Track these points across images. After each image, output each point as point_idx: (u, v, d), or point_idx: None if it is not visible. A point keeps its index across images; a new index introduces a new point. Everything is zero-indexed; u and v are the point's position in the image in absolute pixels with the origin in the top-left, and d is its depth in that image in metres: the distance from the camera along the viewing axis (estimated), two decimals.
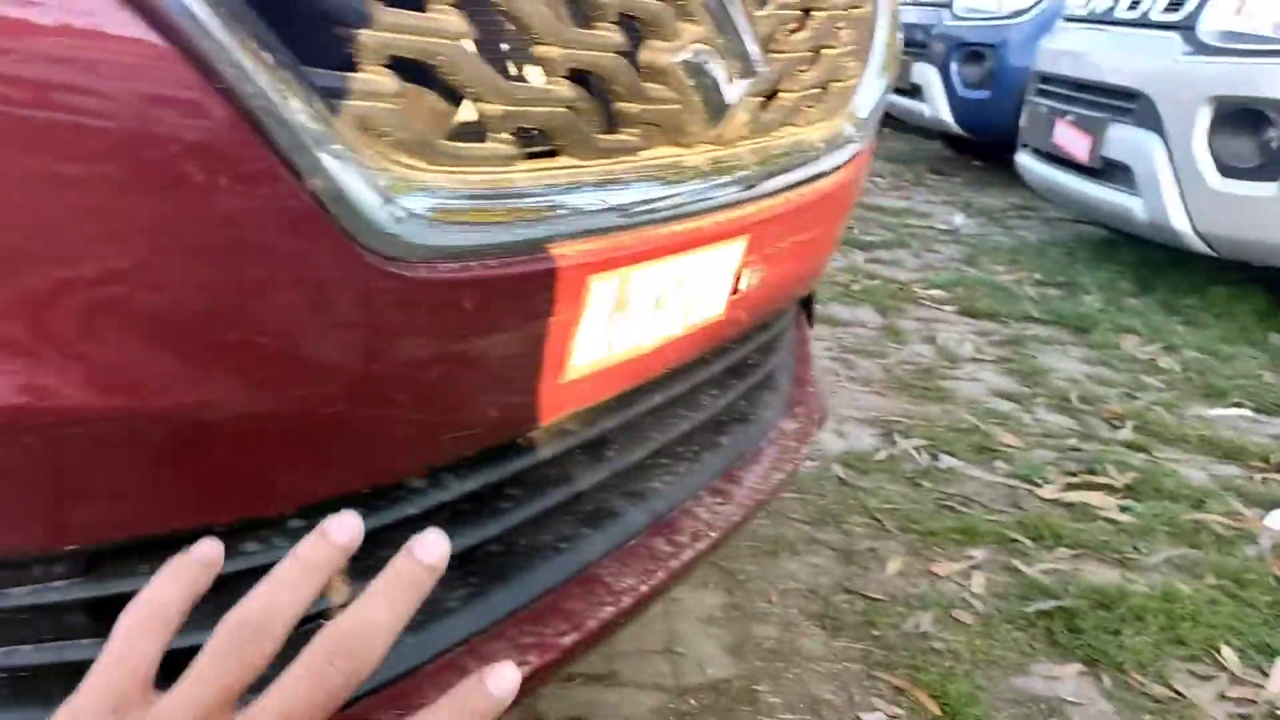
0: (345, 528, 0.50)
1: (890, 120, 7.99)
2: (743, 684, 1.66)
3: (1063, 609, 1.89)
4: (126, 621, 0.48)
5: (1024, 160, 4.81)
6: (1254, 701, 1.70)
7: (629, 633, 1.76)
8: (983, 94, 6.25)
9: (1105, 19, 4.30)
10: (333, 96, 0.64)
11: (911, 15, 7.20)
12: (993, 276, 4.25)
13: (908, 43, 7.06)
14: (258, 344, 0.65)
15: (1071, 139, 4.24)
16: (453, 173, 0.74)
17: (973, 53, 6.37)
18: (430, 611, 0.96)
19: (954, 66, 6.43)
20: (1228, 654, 1.81)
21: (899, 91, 7.12)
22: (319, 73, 0.63)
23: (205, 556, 0.52)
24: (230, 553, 0.77)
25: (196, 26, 0.56)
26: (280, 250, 0.63)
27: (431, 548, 0.49)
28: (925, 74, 6.68)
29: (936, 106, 6.57)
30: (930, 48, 6.72)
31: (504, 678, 0.47)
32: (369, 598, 0.48)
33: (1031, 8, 6.15)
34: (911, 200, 5.88)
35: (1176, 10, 3.83)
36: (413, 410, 0.80)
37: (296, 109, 0.60)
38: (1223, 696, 1.72)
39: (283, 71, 0.60)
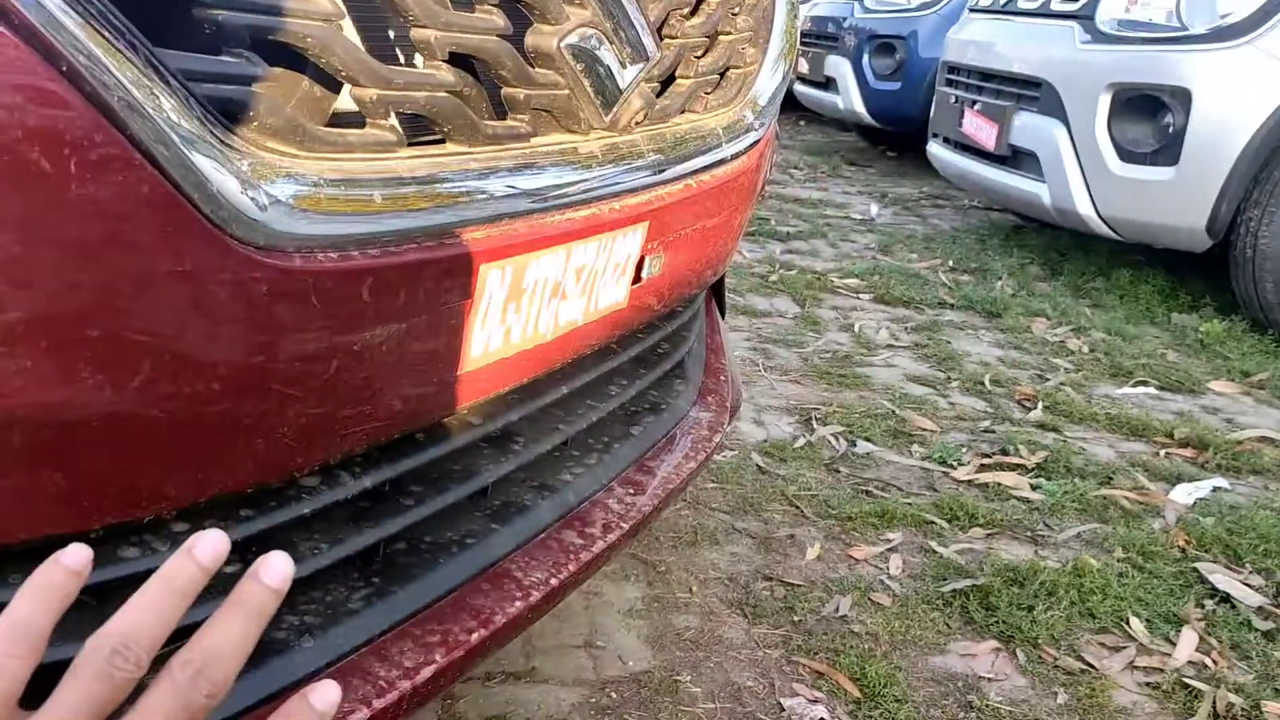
0: (210, 547, 0.50)
1: (805, 113, 8.08)
2: (664, 675, 1.66)
3: (977, 587, 1.92)
4: None
5: (935, 149, 4.89)
6: (1162, 670, 1.75)
7: (549, 628, 1.74)
8: (894, 85, 6.34)
9: (1009, 9, 4.39)
10: (190, 80, 0.61)
11: (824, 8, 7.28)
12: (907, 264, 4.32)
13: (820, 35, 7.14)
14: (122, 338, 0.62)
15: (979, 127, 4.32)
16: (330, 159, 0.72)
17: (884, 45, 6.45)
18: (332, 614, 0.94)
19: (866, 58, 6.51)
20: (1136, 625, 1.85)
21: (813, 84, 7.20)
22: (175, 54, 0.61)
23: (71, 564, 0.51)
24: (108, 559, 0.75)
25: (38, 9, 0.53)
26: (139, 240, 0.60)
27: (275, 570, 0.50)
28: (838, 66, 6.76)
29: (850, 98, 6.65)
30: (842, 40, 6.80)
31: (325, 693, 0.50)
32: (219, 621, 0.49)
33: None
34: (828, 191, 5.94)
35: (1075, 0, 3.92)
36: (299, 405, 0.78)
37: (149, 92, 0.58)
38: (1132, 667, 1.76)
39: (134, 54, 0.58)
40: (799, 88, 7.42)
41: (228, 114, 0.65)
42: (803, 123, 8.59)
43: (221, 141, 0.63)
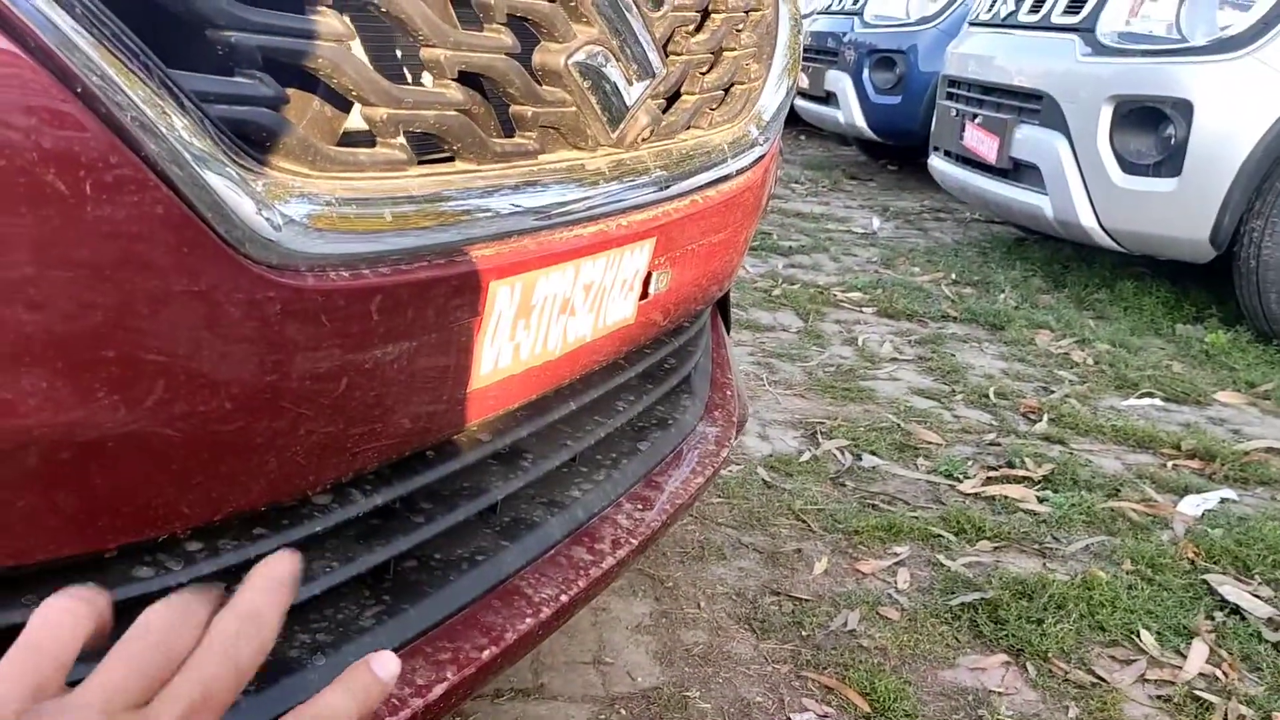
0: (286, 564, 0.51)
1: (806, 127, 8.11)
2: (673, 691, 1.65)
3: (986, 601, 1.92)
4: (52, 607, 0.47)
5: (936, 163, 4.90)
6: (1173, 683, 1.74)
7: (558, 644, 1.74)
8: (894, 99, 6.36)
9: (1009, 23, 4.40)
10: (204, 100, 0.62)
11: (823, 24, 7.31)
12: (910, 278, 4.32)
13: (820, 51, 7.16)
14: (137, 358, 0.62)
15: (980, 141, 4.33)
16: (341, 178, 0.73)
17: (884, 59, 6.48)
18: (343, 631, 0.94)
19: (866, 73, 6.53)
20: (1146, 638, 1.85)
21: (814, 99, 7.22)
22: (189, 76, 0.61)
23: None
24: (123, 579, 0.75)
25: (52, 30, 0.54)
26: (154, 260, 0.60)
27: (279, 562, 0.51)
28: (838, 81, 6.78)
29: (850, 113, 6.67)
30: (842, 55, 6.82)
31: (387, 662, 0.50)
32: (250, 588, 0.50)
33: (939, 14, 6.27)
34: (829, 205, 5.95)
35: (1076, 13, 3.93)
36: (311, 423, 0.78)
37: (162, 113, 0.58)
38: (1143, 679, 1.75)
39: (147, 75, 0.58)
40: (799, 103, 7.44)
41: (240, 134, 0.65)
42: (803, 137, 8.61)
43: (235, 162, 0.63)
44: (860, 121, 6.62)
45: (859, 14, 6.85)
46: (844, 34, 6.87)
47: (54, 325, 0.59)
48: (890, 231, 5.33)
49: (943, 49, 5.23)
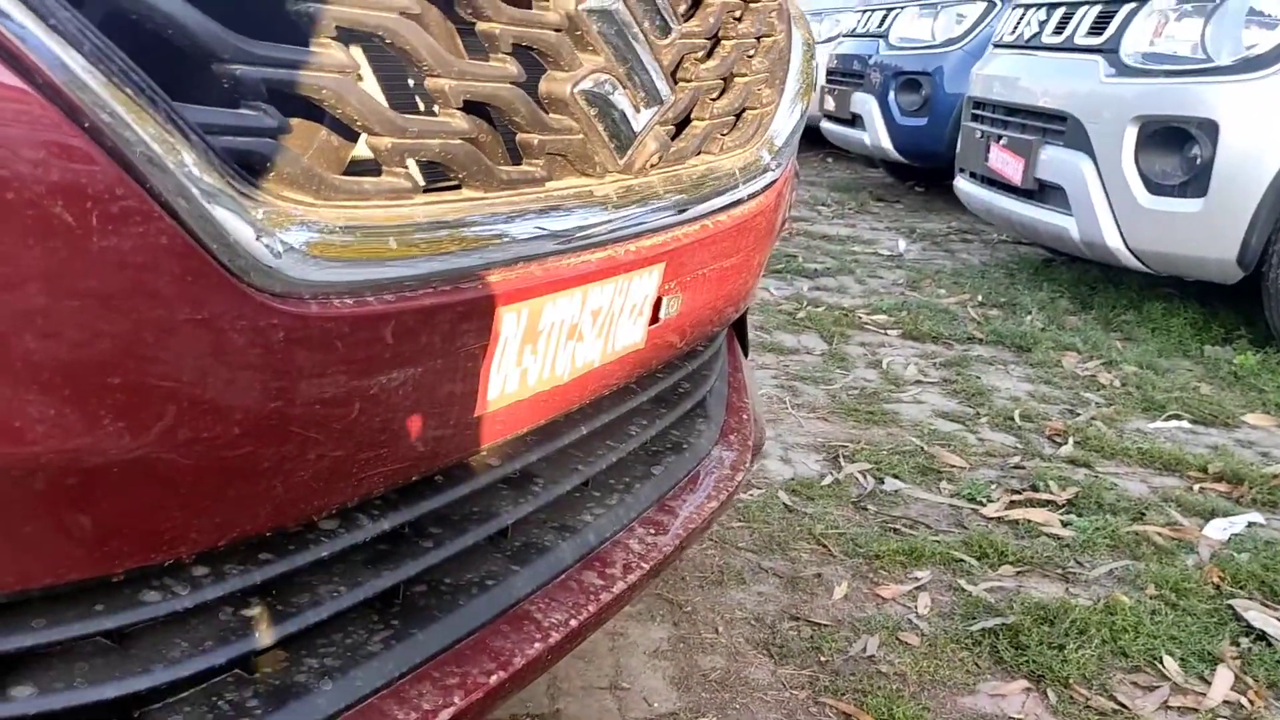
0: None
1: (833, 149, 8.11)
2: (689, 716, 1.65)
3: (1007, 626, 1.90)
4: None
5: (962, 184, 4.89)
6: (1197, 710, 1.71)
7: (574, 669, 1.74)
8: (920, 121, 6.36)
9: (1033, 44, 4.39)
10: (210, 133, 0.63)
11: (849, 46, 7.33)
12: (936, 300, 4.30)
13: (846, 73, 7.18)
14: (143, 385, 0.63)
15: (1006, 162, 4.32)
16: (346, 207, 0.74)
17: (909, 81, 6.48)
18: (351, 656, 0.94)
19: (892, 95, 6.54)
20: (1170, 664, 1.82)
21: (840, 121, 7.23)
22: (194, 109, 0.62)
23: None
24: (130, 604, 0.76)
25: (58, 65, 0.55)
26: (159, 290, 0.62)
27: None
28: (864, 103, 6.79)
29: (876, 134, 6.67)
30: (868, 77, 6.83)
31: None
32: None
33: (964, 36, 6.28)
34: (855, 227, 5.94)
35: (1100, 34, 3.92)
36: (317, 449, 0.79)
37: (169, 147, 0.60)
38: (1166, 706, 1.73)
39: (154, 110, 0.59)
40: (826, 125, 7.46)
41: (246, 165, 0.66)
42: (830, 159, 8.62)
43: (239, 192, 0.65)
44: (886, 143, 6.63)
45: (884, 37, 6.86)
46: (870, 56, 6.88)
47: (61, 353, 0.61)
48: (916, 253, 5.31)
49: (968, 71, 5.22)
